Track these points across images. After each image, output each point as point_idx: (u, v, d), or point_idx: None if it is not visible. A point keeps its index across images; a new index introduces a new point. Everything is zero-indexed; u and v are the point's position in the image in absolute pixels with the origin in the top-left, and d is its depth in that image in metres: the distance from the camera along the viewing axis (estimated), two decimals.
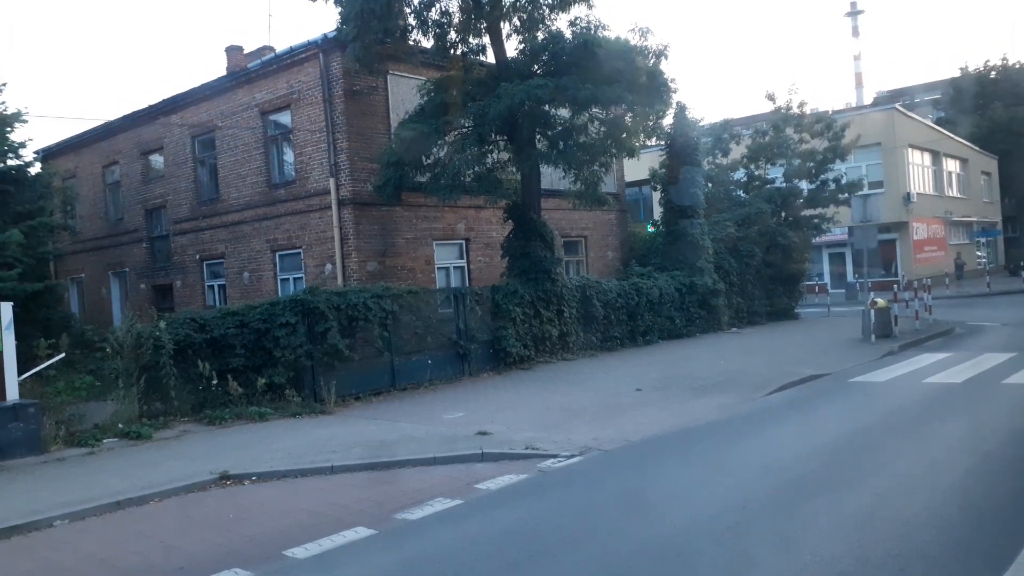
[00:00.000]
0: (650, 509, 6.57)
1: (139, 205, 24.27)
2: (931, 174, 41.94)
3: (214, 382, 11.45)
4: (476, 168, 15.06)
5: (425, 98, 16.01)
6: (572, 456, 8.55)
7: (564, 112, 16.49)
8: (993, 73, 57.33)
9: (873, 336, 16.86)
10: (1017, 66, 57.94)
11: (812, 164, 25.68)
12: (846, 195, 26.31)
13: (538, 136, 16.46)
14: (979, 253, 44.92)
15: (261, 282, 20.06)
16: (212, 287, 21.91)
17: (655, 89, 14.92)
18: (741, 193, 26.44)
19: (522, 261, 16.50)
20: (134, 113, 23.91)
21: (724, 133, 26.42)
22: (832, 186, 25.81)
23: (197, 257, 22.20)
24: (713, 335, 21.00)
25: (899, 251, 37.83)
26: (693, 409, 11.01)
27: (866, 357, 15.22)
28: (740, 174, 26.93)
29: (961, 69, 58.95)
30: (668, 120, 19.48)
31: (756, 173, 26.52)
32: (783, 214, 26.07)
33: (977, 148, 48.01)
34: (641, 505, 6.72)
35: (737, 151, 27.00)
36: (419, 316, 14.24)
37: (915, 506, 6.09)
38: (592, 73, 14.31)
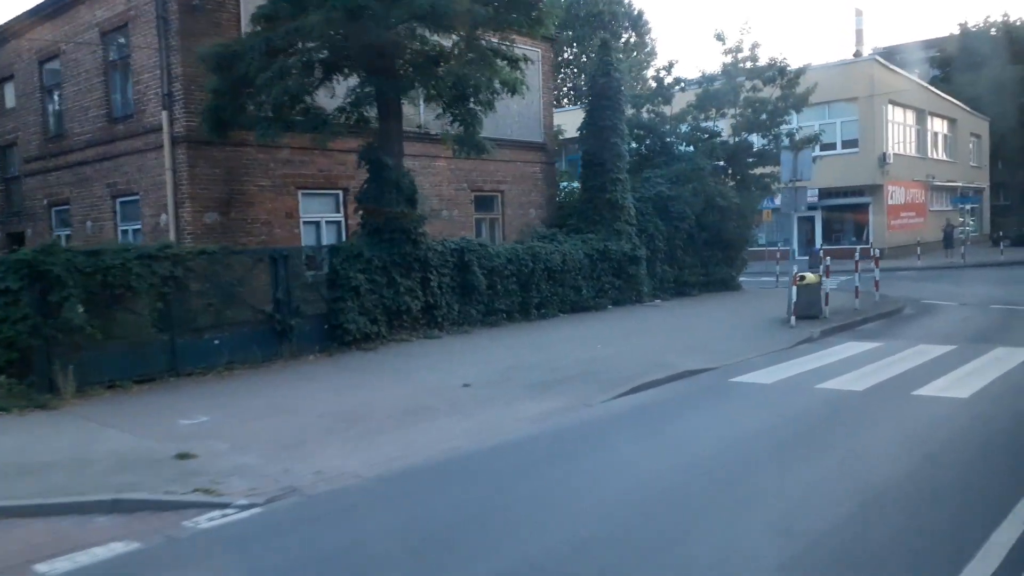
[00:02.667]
0: None
1: None
2: (914, 134, 38.82)
3: None
4: (297, 98, 12.13)
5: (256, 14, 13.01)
6: (251, 507, 5.92)
7: (437, 38, 13.59)
8: (993, 30, 53.81)
9: (793, 318, 14.16)
10: (1019, 23, 54.45)
11: (765, 115, 22.67)
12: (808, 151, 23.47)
13: (404, 65, 13.55)
14: (960, 219, 42.00)
15: (103, 233, 17.26)
16: (60, 237, 19.10)
17: (519, 1, 11.89)
18: (685, 147, 23.45)
19: (374, 218, 13.68)
20: None
21: (667, 77, 23.33)
22: (786, 141, 22.81)
23: (45, 203, 19.34)
24: (627, 308, 18.30)
25: (872, 216, 34.98)
26: (510, 417, 8.41)
27: (776, 345, 12.58)
28: (687, 127, 23.87)
29: (960, 25, 55.46)
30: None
31: (704, 125, 23.48)
32: (731, 171, 23.19)
33: (967, 108, 44.72)
34: None
35: (683, 99, 23.95)
36: (217, 284, 11.48)
37: None
38: None
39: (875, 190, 34.34)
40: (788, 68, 22.25)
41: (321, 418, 8.59)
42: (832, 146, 34.85)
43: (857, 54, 39.07)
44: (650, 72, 40.92)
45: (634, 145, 23.23)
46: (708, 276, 21.40)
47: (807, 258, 32.93)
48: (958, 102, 43.57)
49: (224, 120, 12.87)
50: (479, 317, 15.44)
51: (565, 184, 23.60)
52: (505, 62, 13.50)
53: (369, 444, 7.53)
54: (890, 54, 48.79)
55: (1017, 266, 29.07)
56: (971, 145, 46.72)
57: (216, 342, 11.16)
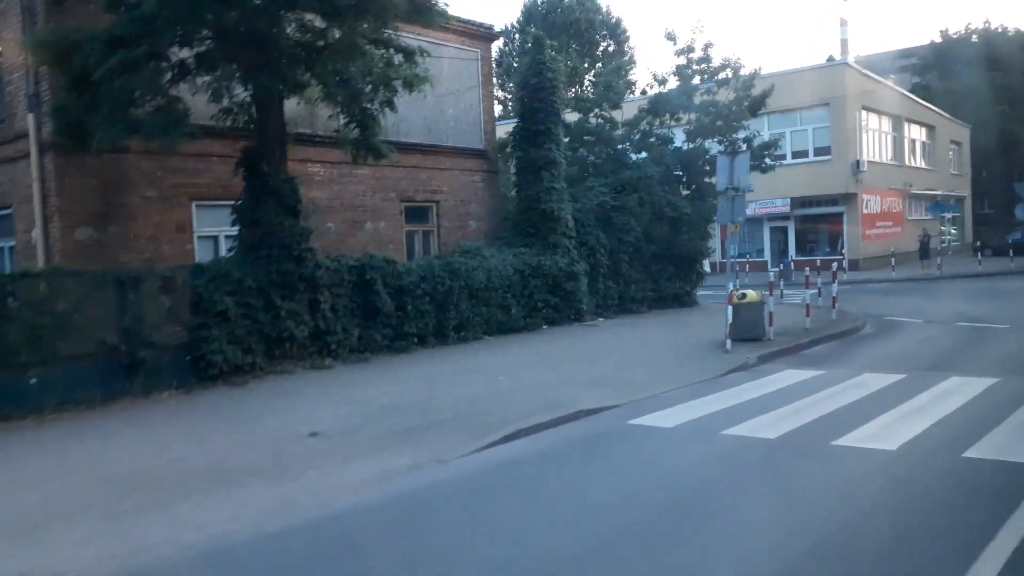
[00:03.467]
0: None
1: None
2: (891, 141, 37.47)
3: None
4: (146, 96, 10.55)
5: None
6: None
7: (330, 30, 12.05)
8: (974, 37, 52.81)
9: (729, 341, 12.56)
10: (1000, 30, 53.45)
11: (721, 121, 21.20)
12: (766, 160, 22.07)
13: (281, 60, 11.99)
14: (942, 228, 40.59)
15: None
16: None
17: None
18: (638, 155, 21.94)
19: (251, 231, 12.09)
20: None
21: (615, 79, 21.84)
22: (743, 147, 21.31)
23: None
24: (563, 328, 16.68)
25: (846, 226, 33.56)
26: (335, 482, 6.75)
27: (703, 374, 10.99)
28: (639, 134, 22.37)
29: (941, 32, 54.55)
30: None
31: (658, 131, 21.99)
32: (685, 180, 21.69)
33: (947, 115, 43.42)
34: None
35: (638, 104, 22.49)
36: (46, 312, 9.85)
37: None
38: None
39: (849, 199, 32.97)
40: (742, 69, 20.82)
41: (104, 482, 6.94)
42: (804, 153, 33.53)
43: (830, 59, 37.68)
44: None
45: (582, 152, 21.79)
46: (659, 292, 19.84)
47: (779, 269, 31.51)
48: (937, 109, 42.32)
49: (72, 122, 11.26)
50: (385, 343, 13.80)
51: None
52: (400, 55, 11.98)
53: (131, 525, 5.88)
54: (871, 62, 47.60)
55: (994, 277, 27.72)
56: (951, 153, 45.46)
57: (33, 381, 9.48)
